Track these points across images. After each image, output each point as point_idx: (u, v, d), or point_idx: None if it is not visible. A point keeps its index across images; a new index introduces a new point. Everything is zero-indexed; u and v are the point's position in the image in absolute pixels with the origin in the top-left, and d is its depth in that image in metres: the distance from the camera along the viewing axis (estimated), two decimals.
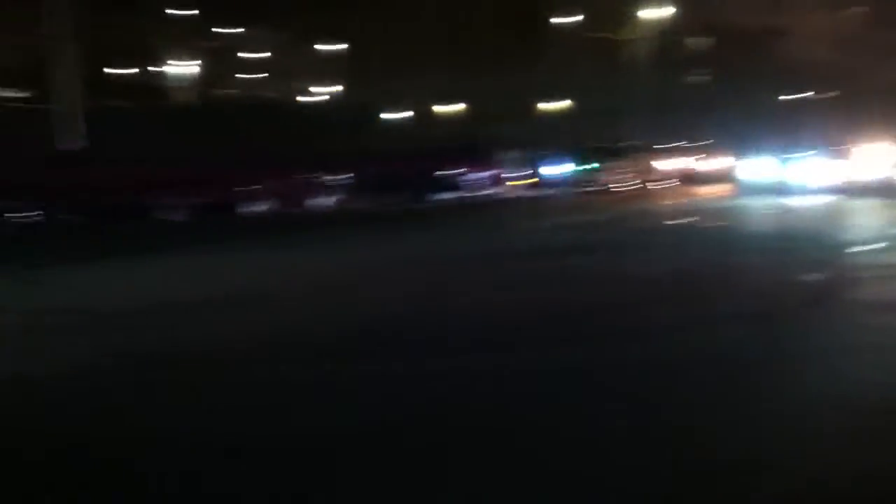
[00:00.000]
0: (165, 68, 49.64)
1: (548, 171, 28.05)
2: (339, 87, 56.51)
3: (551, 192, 27.38)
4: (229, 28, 55.10)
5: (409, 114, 53.04)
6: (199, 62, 51.01)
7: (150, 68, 48.76)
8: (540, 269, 11.86)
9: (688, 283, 10.19)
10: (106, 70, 38.28)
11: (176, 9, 50.08)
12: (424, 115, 52.59)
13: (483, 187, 26.67)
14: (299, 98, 56.42)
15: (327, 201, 22.56)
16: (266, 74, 58.53)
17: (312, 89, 58.51)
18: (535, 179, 27.67)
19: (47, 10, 19.73)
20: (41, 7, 36.51)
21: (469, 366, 6.56)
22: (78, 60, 21.42)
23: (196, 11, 52.09)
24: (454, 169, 26.31)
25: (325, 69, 56.48)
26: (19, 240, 14.65)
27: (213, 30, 53.66)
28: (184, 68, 48.30)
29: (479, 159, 26.76)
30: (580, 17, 44.85)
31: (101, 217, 17.24)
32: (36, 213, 16.09)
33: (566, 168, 28.42)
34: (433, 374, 6.36)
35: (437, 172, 26.14)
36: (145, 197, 18.96)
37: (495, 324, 8.17)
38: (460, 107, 55.40)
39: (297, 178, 22.61)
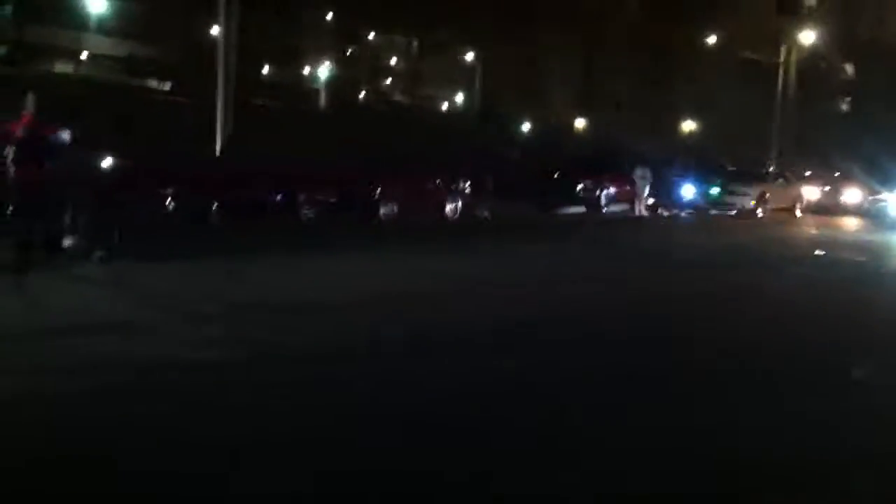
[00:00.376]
0: (307, 70, 51.24)
1: (684, 191, 27.50)
2: (470, 95, 57.17)
3: (686, 213, 26.89)
4: (368, 34, 56.60)
5: (540, 123, 53.17)
6: (339, 65, 52.50)
7: (294, 70, 50.43)
8: (687, 286, 11.98)
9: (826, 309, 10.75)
10: (252, 69, 39.71)
11: (320, 13, 51.69)
12: (556, 126, 52.59)
13: (614, 203, 26.33)
14: (432, 104, 57.36)
15: (455, 207, 22.61)
16: (401, 79, 59.90)
17: (445, 96, 59.42)
18: (670, 199, 27.16)
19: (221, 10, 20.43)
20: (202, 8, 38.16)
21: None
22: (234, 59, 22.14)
23: (332, 16, 53.64)
24: (584, 182, 26.01)
25: (459, 77, 57.27)
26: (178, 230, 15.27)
27: (354, 34, 55.29)
28: (324, 71, 49.72)
29: (611, 174, 26.40)
30: (724, 38, 44.11)
31: (238, 212, 17.74)
32: (171, 205, 16.67)
33: (704, 189, 27.80)
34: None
35: (568, 185, 25.89)
36: (280, 194, 19.38)
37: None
38: (592, 119, 55.16)
39: (428, 183, 22.72)
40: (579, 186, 26.04)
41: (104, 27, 38.23)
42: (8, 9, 28.37)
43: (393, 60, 56.62)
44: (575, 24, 51.86)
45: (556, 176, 26.53)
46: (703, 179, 27.98)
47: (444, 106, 55.58)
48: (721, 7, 44.51)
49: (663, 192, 26.86)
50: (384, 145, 30.67)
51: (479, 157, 28.39)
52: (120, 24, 38.94)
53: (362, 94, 52.67)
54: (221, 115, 20.16)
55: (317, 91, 49.27)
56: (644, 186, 25.93)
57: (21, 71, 28.71)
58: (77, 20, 37.11)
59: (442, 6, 48.92)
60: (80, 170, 10.75)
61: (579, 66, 53.15)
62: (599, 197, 26.18)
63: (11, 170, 9.76)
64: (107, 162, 14.72)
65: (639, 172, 25.89)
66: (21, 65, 29.27)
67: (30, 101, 9.92)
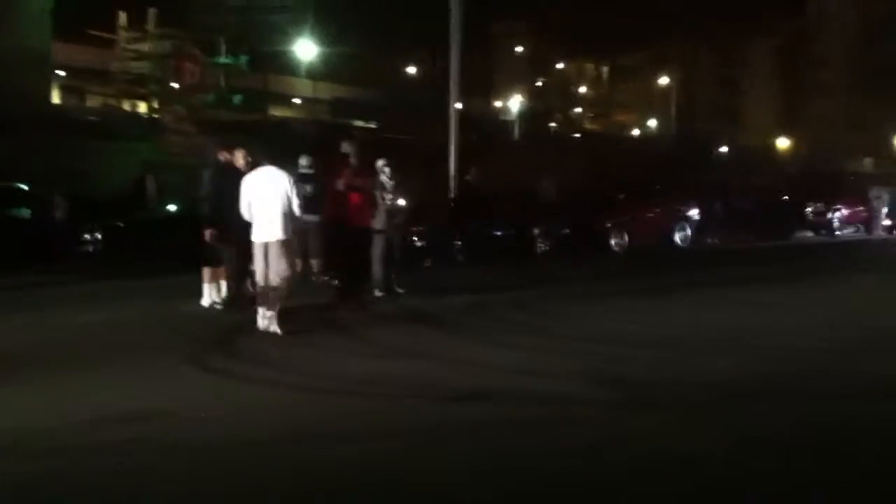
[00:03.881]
0: (502, 103, 51.96)
1: None
2: (664, 119, 56.22)
3: None
4: (558, 63, 56.85)
5: (737, 145, 51.52)
6: (530, 96, 52.93)
7: (485, 102, 51.28)
8: None
9: None
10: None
11: (511, 46, 52.38)
12: (756, 147, 50.90)
13: (849, 226, 25.19)
14: (623, 130, 56.86)
15: (685, 235, 22.09)
16: (591, 107, 59.72)
17: (637, 122, 58.77)
18: None
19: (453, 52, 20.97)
20: (401, 50, 39.25)
21: None
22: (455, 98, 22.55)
23: (522, 48, 54.16)
24: (813, 205, 25.02)
25: (651, 101, 56.55)
26: None
27: (544, 64, 55.65)
28: (516, 103, 50.24)
29: (841, 196, 25.32)
30: None
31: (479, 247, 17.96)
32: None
33: None
34: None
35: (800, 208, 24.97)
36: (516, 228, 19.45)
37: None
38: (797, 139, 53.02)
39: (656, 211, 22.28)
40: (808, 209, 25.08)
41: (313, 73, 40.07)
42: (244, 59, 30.20)
43: (583, 89, 56.47)
44: (775, 42, 50.25)
45: (783, 199, 25.66)
46: None
47: (636, 131, 54.88)
48: None
49: None
50: (587, 175, 30.49)
51: (693, 182, 27.86)
52: (327, 70, 40.75)
53: (554, 124, 52.73)
54: (455, 152, 20.54)
55: (510, 123, 49.84)
56: (880, 207, 24.71)
57: (245, 116, 30.38)
58: (289, 68, 39.06)
59: (632, 31, 48.58)
60: None
61: (779, 85, 51.43)
62: (831, 220, 25.11)
63: None
64: None
65: (874, 193, 24.76)
66: (248, 111, 31.05)
67: (346, 146, 10.48)
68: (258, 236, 9.14)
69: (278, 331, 8.78)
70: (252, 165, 9.67)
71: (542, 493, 4.67)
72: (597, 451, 5.26)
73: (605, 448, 5.35)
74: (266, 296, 8.99)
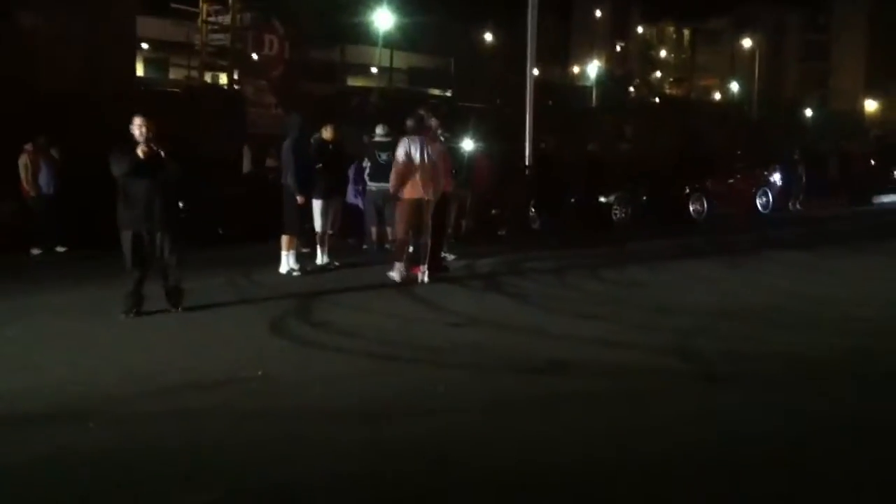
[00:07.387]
0: (580, 68, 51.26)
1: None
2: (746, 84, 54.75)
3: None
4: (640, 27, 55.74)
5: (829, 110, 49.89)
6: (609, 62, 52.06)
7: (563, 68, 50.65)
8: None
9: None
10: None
11: (590, 10, 51.56)
12: (848, 112, 49.19)
13: None
14: (706, 94, 55.56)
15: (767, 201, 21.64)
16: (672, 71, 58.42)
17: (719, 86, 57.32)
18: None
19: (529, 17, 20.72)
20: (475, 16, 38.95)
21: None
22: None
23: (601, 13, 53.26)
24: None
25: (736, 66, 55.05)
26: None
27: (624, 29, 54.63)
28: (594, 68, 49.53)
29: None
30: None
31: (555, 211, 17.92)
32: None
33: None
34: None
35: (888, 172, 24.30)
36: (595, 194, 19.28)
37: None
38: (883, 103, 51.16)
39: (737, 177, 21.85)
40: None
41: (390, 42, 40.10)
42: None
43: (663, 53, 55.37)
44: (863, 4, 48.48)
45: (870, 163, 24.97)
46: None
47: (718, 96, 53.67)
48: None
49: None
50: (669, 140, 29.95)
51: (777, 148, 27.22)
52: (403, 39, 40.78)
53: (633, 89, 51.86)
54: (530, 120, 20.36)
55: (587, 89, 49.20)
56: None
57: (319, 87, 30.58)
58: (367, 37, 39.19)
59: None
60: None
61: (868, 49, 49.57)
62: None
63: None
64: None
65: None
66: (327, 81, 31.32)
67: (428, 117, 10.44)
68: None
69: (396, 278, 10.02)
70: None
71: (594, 471, 4.64)
72: (666, 429, 5.17)
73: (677, 425, 5.26)
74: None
